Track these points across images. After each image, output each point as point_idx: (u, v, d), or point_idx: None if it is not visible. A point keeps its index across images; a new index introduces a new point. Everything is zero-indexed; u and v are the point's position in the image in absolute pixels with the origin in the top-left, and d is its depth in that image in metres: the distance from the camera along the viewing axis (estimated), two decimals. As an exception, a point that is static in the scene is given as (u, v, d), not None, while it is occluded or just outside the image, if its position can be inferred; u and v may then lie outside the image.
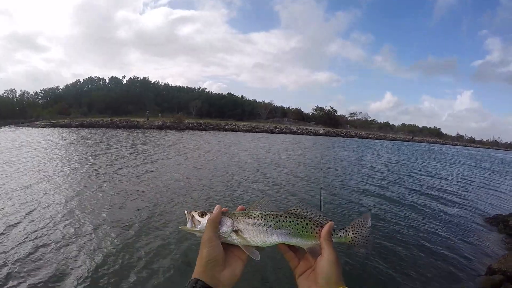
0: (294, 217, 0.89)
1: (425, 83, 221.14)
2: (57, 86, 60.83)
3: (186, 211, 0.90)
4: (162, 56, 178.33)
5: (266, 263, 5.62)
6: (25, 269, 5.13)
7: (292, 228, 0.88)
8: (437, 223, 9.77)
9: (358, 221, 0.91)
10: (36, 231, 6.59)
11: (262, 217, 0.88)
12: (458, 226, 9.81)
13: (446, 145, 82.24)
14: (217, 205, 0.89)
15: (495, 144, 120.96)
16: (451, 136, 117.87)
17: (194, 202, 9.35)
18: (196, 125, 48.45)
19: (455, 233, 9.06)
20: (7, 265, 5.19)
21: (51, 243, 6.08)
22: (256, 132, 52.87)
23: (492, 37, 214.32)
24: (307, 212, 0.91)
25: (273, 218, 0.88)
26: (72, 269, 5.21)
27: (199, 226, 0.87)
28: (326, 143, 44.81)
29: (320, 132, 65.16)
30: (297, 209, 0.91)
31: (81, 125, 36.86)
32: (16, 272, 5.04)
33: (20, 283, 4.76)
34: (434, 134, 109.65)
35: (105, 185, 10.64)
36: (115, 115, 48.12)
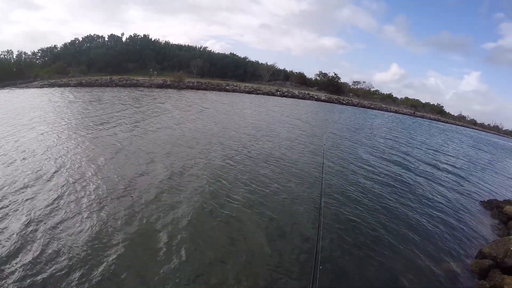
0: None
1: (434, 59, 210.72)
2: (55, 45, 59.17)
3: None
4: (165, 13, 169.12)
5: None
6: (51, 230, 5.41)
7: None
8: (434, 202, 9.88)
9: None
10: (59, 197, 6.74)
11: None
12: (454, 206, 9.89)
13: (447, 124, 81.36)
14: None
15: (495, 130, 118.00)
16: (453, 115, 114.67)
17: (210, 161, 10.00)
18: (196, 84, 47.89)
19: (450, 213, 9.18)
20: (36, 229, 5.43)
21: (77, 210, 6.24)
22: (258, 94, 52.42)
23: (508, 21, 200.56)
24: None
25: None
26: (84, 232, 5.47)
27: None
28: (328, 109, 44.93)
29: (322, 98, 64.20)
30: None
31: (80, 84, 36.54)
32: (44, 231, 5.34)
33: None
34: (437, 111, 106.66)
35: (124, 145, 11.00)
36: (115, 74, 47.43)
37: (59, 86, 34.89)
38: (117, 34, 65.17)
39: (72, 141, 11.10)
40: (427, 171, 13.81)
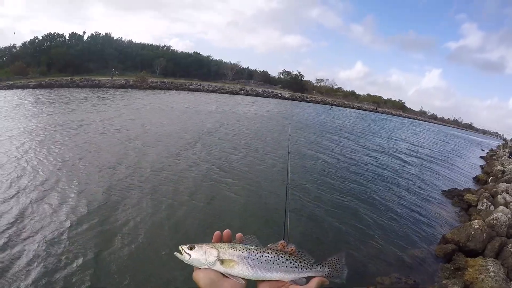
0: (276, 252, 0.93)
1: (398, 57, 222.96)
2: (13, 45, 57.17)
3: (179, 247, 0.95)
4: (127, 10, 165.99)
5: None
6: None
7: (273, 262, 0.91)
8: (399, 192, 10.44)
9: (334, 258, 0.97)
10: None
11: (246, 250, 0.93)
12: (418, 196, 10.52)
13: (408, 119, 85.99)
14: (202, 245, 0.93)
15: (455, 123, 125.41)
16: (413, 110, 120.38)
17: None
18: (160, 84, 49.32)
19: (415, 202, 9.71)
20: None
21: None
22: (221, 93, 54.48)
23: (470, 22, 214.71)
24: (288, 248, 0.95)
25: (257, 252, 0.93)
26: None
27: (190, 258, 0.91)
28: (292, 106, 47.76)
29: (286, 96, 67.53)
30: (278, 245, 0.96)
31: (40, 86, 36.76)
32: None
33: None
34: (398, 107, 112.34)
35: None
36: (76, 74, 47.57)
37: (18, 88, 34.88)
38: (78, 33, 64.69)
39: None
40: (392, 163, 14.86)
